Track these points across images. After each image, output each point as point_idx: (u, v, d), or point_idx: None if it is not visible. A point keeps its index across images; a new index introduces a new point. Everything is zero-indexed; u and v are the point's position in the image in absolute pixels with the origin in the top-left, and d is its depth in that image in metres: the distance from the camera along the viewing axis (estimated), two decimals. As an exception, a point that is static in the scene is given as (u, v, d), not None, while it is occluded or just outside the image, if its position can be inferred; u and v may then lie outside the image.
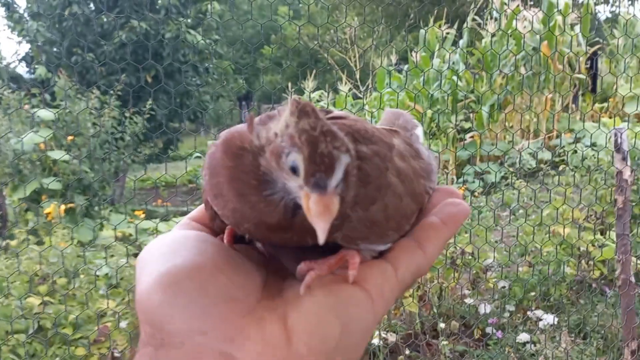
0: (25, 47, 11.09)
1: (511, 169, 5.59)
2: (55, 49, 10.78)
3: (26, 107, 5.11)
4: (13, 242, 3.61)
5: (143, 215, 6.22)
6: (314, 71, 7.49)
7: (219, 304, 0.40)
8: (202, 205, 0.52)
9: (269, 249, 0.49)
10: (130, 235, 5.29)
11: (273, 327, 0.39)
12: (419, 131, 0.62)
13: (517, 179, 4.76)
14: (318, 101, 8.09)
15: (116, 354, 2.95)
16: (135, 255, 3.93)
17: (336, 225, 0.40)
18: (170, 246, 0.44)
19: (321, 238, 0.38)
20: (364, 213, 0.44)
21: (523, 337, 3.16)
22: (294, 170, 0.39)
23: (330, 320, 0.41)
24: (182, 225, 0.51)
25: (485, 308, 3.35)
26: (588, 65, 7.85)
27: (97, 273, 3.27)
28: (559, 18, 6.82)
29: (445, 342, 3.18)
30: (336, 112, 0.50)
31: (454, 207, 0.51)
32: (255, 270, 0.45)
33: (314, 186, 0.38)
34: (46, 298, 2.96)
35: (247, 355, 0.38)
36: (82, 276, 3.20)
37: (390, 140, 0.50)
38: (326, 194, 0.38)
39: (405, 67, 8.42)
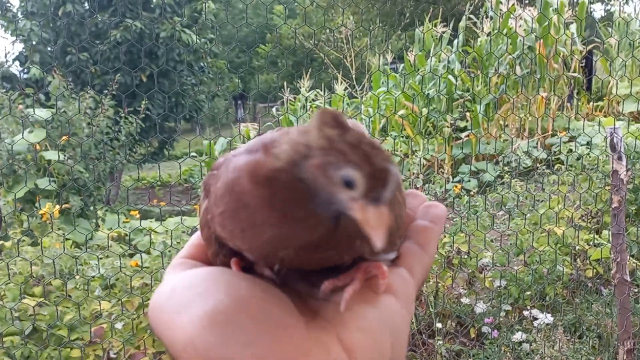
0: (19, 47, 11.03)
1: (507, 168, 5.60)
2: (49, 49, 10.74)
3: (20, 107, 5.08)
4: (8, 244, 3.59)
5: (138, 216, 6.22)
6: (310, 70, 7.49)
7: (278, 333, 0.39)
8: (193, 242, 0.51)
9: (282, 275, 0.47)
10: (126, 235, 5.28)
11: (334, 347, 0.40)
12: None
13: (513, 179, 4.77)
14: (314, 100, 8.08)
15: (111, 355, 2.94)
16: (131, 255, 3.92)
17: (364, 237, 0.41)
18: (202, 285, 0.42)
19: (379, 246, 0.39)
20: None
21: (519, 336, 3.17)
22: (348, 184, 0.40)
23: (383, 333, 0.42)
24: (179, 265, 0.49)
25: (481, 307, 3.35)
26: (583, 64, 7.88)
27: (92, 274, 3.26)
28: (555, 17, 6.83)
29: (441, 342, 3.18)
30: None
31: (435, 208, 0.54)
32: (285, 296, 0.44)
33: (372, 199, 0.40)
34: (41, 300, 2.95)
35: None
36: (77, 277, 3.18)
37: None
38: (381, 205, 0.40)
39: (401, 66, 8.42)
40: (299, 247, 0.42)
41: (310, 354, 0.39)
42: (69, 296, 3.04)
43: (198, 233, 0.52)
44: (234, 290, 0.41)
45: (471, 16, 7.93)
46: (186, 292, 0.42)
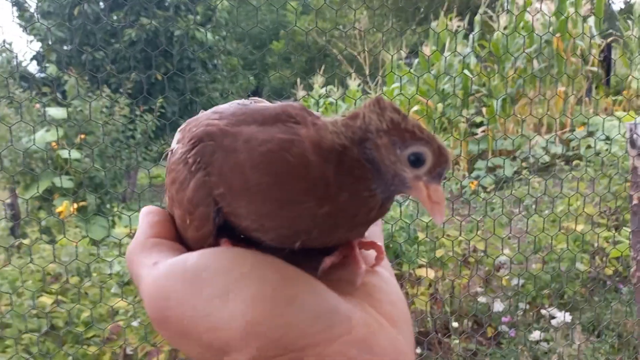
0: (36, 46, 11.14)
1: (524, 164, 5.53)
2: (65, 48, 10.84)
3: (37, 106, 5.14)
4: (26, 241, 3.63)
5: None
6: (323, 67, 7.46)
7: (330, 302, 0.40)
8: (155, 220, 0.48)
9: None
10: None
11: (377, 317, 0.41)
12: None
13: (530, 174, 4.71)
14: (327, 97, 8.05)
15: (128, 352, 2.96)
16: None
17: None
18: (236, 268, 0.40)
19: (440, 221, 0.42)
20: None
21: (536, 335, 3.13)
22: (415, 162, 0.42)
23: (404, 303, 0.45)
24: (155, 246, 0.46)
25: (498, 306, 3.31)
26: (602, 58, 7.75)
27: (109, 272, 3.28)
28: (572, 10, 6.73)
29: (457, 341, 3.15)
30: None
31: None
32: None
33: (436, 176, 0.43)
34: (58, 297, 2.97)
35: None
36: (93, 275, 3.21)
37: None
38: (440, 183, 0.43)
39: (416, 61, 8.36)
40: (338, 225, 0.42)
41: (367, 323, 0.40)
42: (86, 294, 3.07)
43: (154, 209, 0.50)
44: (277, 271, 0.40)
45: (487, 10, 7.83)
46: (220, 276, 0.40)
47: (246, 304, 0.38)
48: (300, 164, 0.40)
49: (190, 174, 0.44)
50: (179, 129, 0.52)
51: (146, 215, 0.48)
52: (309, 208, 0.41)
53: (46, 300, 2.92)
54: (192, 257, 0.42)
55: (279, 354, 0.37)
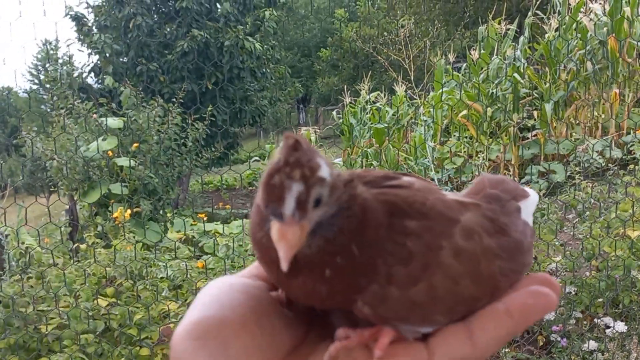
0: (94, 59, 11.66)
1: (577, 169, 5.36)
2: (121, 60, 11.27)
3: (94, 116, 5.36)
4: (83, 246, 3.80)
5: (205, 218, 6.41)
6: (370, 73, 7.47)
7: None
8: None
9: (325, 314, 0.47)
10: (193, 237, 5.45)
11: None
12: (529, 201, 0.54)
13: (584, 179, 4.56)
14: (374, 103, 8.05)
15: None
16: (198, 257, 4.05)
17: (341, 286, 0.40)
18: (213, 294, 0.44)
19: (283, 265, 0.38)
20: (402, 293, 0.41)
21: (590, 345, 3.02)
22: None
23: None
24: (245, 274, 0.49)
25: (549, 314, 3.22)
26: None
27: (161, 276, 3.39)
28: (627, 9, 6.49)
29: (507, 350, 3.09)
30: (405, 179, 0.47)
31: (531, 296, 0.43)
32: (288, 330, 0.44)
33: (271, 215, 0.39)
34: (113, 300, 3.09)
35: None
36: (146, 279, 3.31)
37: (455, 215, 0.45)
38: (284, 223, 0.38)
39: (464, 65, 8.25)
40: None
41: None
42: (139, 297, 3.18)
43: None
44: (225, 310, 0.42)
45: (537, 12, 7.65)
46: (203, 295, 0.44)
47: (182, 324, 0.43)
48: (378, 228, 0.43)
49: None
50: None
51: None
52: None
53: (101, 302, 3.04)
54: (222, 278, 0.48)
55: None
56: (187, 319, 0.42)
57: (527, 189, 0.55)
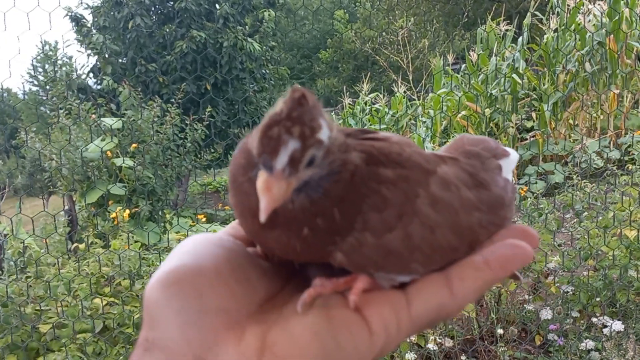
0: (93, 60, 11.67)
1: (575, 169, 5.37)
2: (120, 60, 11.28)
3: (93, 116, 5.37)
4: (81, 246, 3.80)
5: (204, 219, 6.40)
6: (369, 74, 7.48)
7: (210, 313, 0.40)
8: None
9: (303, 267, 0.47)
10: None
11: (251, 340, 0.39)
12: (509, 160, 0.55)
13: (582, 180, 4.57)
14: (373, 104, 8.06)
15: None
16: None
17: (320, 236, 0.40)
18: (188, 247, 0.44)
19: (262, 215, 0.38)
20: (377, 240, 0.41)
21: (587, 344, 3.03)
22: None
23: (312, 343, 0.39)
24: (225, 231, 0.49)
25: (547, 314, 3.23)
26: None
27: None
28: (626, 10, 6.50)
29: (504, 348, 3.09)
30: (382, 134, 0.47)
31: (509, 249, 0.44)
32: (263, 281, 0.44)
33: (262, 165, 0.38)
34: (110, 299, 3.09)
35: None
36: (144, 278, 3.32)
37: (432, 166, 0.45)
38: (272, 175, 0.38)
39: (463, 66, 8.26)
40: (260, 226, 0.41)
41: (224, 341, 0.39)
42: (137, 296, 3.18)
43: None
44: (201, 260, 0.42)
45: (536, 13, 7.67)
46: (178, 249, 0.44)
47: (155, 276, 0.42)
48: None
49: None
50: None
51: None
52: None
53: (99, 302, 3.05)
54: (200, 234, 0.48)
55: (150, 340, 0.41)
56: (161, 269, 0.42)
57: (508, 148, 0.56)
